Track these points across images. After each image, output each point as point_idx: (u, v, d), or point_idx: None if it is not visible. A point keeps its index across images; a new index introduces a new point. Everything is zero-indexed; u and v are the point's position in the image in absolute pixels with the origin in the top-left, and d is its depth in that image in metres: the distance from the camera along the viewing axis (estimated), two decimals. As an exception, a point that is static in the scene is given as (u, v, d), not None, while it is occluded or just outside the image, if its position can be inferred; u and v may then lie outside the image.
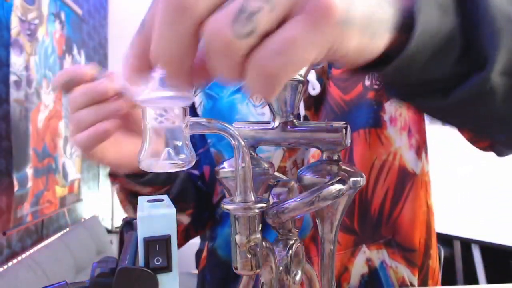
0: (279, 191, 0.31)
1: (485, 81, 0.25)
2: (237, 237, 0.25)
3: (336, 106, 0.53)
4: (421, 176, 0.54)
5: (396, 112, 0.53)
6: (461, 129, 0.41)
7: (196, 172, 0.62)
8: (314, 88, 0.52)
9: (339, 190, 0.26)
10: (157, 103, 0.23)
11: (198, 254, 1.92)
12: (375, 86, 0.52)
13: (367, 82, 0.52)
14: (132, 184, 0.49)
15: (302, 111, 0.53)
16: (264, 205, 0.24)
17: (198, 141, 0.62)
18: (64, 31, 2.05)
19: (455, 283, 1.91)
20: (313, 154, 0.52)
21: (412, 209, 0.53)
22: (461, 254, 2.02)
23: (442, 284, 0.56)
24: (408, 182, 0.54)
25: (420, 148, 0.54)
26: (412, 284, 0.52)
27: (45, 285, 0.24)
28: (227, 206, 0.24)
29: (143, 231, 0.23)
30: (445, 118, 0.31)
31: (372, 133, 0.53)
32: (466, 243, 2.00)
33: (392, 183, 0.53)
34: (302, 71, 0.31)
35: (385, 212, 0.53)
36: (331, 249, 0.29)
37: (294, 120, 0.30)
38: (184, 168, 0.24)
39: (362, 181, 0.28)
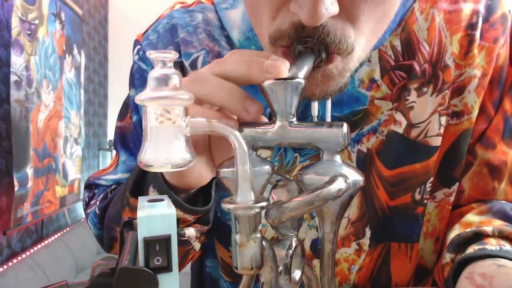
0: (279, 190, 0.31)
1: None
2: (237, 237, 0.25)
3: (380, 210, 0.49)
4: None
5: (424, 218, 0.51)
6: None
7: None
8: None
9: (339, 190, 0.26)
10: (157, 103, 0.23)
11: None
12: (425, 201, 0.49)
13: (418, 196, 0.49)
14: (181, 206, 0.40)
15: None
16: (264, 204, 0.24)
17: None
18: (64, 31, 2.05)
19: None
20: None
21: None
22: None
23: (442, 284, 0.56)
24: (425, 279, 0.54)
25: (439, 252, 0.53)
26: None
27: (45, 285, 0.24)
28: (228, 206, 0.24)
29: (143, 231, 0.23)
30: None
31: (415, 248, 0.51)
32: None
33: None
34: (303, 72, 0.32)
35: None
36: (331, 249, 0.29)
37: (294, 120, 0.30)
38: (184, 168, 0.24)
39: (362, 181, 0.28)
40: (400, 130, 0.48)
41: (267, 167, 0.30)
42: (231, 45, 0.50)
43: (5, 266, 1.46)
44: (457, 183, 0.50)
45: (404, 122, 0.47)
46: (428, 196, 0.49)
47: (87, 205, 0.57)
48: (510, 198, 0.49)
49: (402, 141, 0.48)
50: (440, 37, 0.47)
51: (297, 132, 0.29)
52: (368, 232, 0.50)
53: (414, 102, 0.47)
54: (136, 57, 0.54)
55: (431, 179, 0.49)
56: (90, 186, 0.59)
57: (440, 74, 0.47)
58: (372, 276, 0.52)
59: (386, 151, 0.48)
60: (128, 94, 0.56)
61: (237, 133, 0.24)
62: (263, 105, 0.32)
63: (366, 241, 0.50)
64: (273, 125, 0.30)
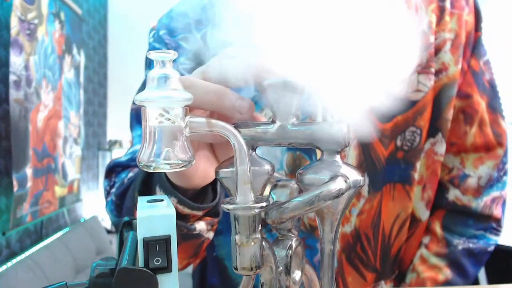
0: (279, 191, 0.31)
1: None
2: (237, 237, 0.25)
3: (377, 160, 0.56)
4: (424, 223, 0.61)
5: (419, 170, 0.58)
6: None
7: None
8: None
9: (339, 190, 0.26)
10: (157, 103, 0.23)
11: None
12: (405, 148, 0.56)
13: (399, 143, 0.56)
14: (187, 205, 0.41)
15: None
16: (264, 204, 0.24)
17: None
18: (63, 30, 2.05)
19: (454, 283, 1.91)
20: None
21: (413, 248, 0.61)
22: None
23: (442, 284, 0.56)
24: (413, 227, 0.60)
25: (430, 202, 0.60)
26: None
27: (44, 285, 0.24)
28: (227, 206, 0.24)
29: (142, 231, 0.23)
30: None
31: (397, 188, 0.57)
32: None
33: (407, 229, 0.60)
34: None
35: (400, 253, 0.60)
36: (331, 249, 0.29)
37: (294, 120, 0.30)
38: (183, 169, 0.24)
39: (362, 180, 0.28)
40: None
41: (267, 167, 0.30)
42: None
43: (4, 267, 1.46)
44: (440, 133, 0.58)
45: None
46: (409, 144, 0.56)
47: (108, 193, 0.59)
48: (478, 141, 0.59)
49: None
50: (416, 7, 0.55)
51: (297, 132, 0.29)
52: (366, 179, 0.56)
53: None
54: (152, 39, 0.59)
55: (410, 128, 0.56)
56: (110, 173, 0.59)
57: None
58: (373, 223, 0.57)
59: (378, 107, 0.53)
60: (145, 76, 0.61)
61: (236, 133, 0.24)
62: (254, 103, 0.33)
63: (364, 187, 0.56)
64: (272, 124, 0.30)
